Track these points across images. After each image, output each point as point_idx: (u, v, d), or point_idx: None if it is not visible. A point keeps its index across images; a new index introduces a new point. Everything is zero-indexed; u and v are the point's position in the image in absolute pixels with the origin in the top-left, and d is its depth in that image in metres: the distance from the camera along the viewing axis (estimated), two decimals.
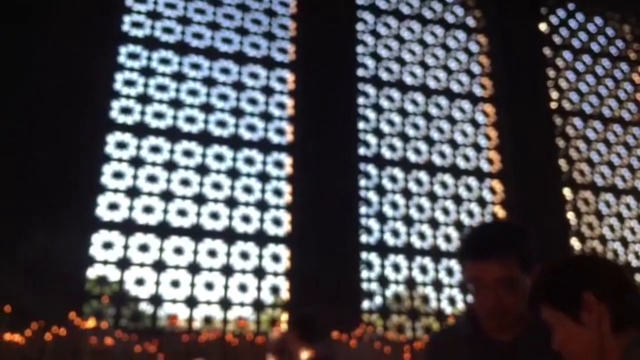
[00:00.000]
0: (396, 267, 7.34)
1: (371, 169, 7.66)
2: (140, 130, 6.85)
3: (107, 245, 6.27)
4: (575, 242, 8.16)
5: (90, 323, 5.71)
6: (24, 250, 5.47)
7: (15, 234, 5.49)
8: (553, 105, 8.85)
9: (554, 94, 8.95)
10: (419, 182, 7.84)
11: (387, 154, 7.82)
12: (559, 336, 1.27)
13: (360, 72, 8.03)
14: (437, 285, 7.44)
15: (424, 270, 7.46)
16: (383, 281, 7.20)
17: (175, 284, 6.39)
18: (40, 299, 5.28)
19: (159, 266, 6.39)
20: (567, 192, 8.45)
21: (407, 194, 7.71)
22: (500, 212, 8.01)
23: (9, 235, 5.48)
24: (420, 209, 7.72)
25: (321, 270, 6.49)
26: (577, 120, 9.02)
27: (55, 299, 5.46)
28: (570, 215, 8.35)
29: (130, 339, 5.68)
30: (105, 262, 6.22)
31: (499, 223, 1.84)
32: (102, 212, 6.36)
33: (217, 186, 6.94)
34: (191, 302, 6.37)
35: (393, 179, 7.73)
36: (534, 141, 8.21)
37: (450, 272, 7.54)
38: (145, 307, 6.40)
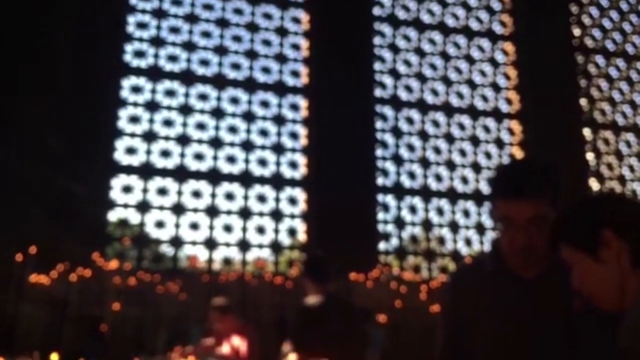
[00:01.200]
0: (412, 209, 7.37)
1: (387, 110, 7.58)
2: (155, 73, 6.81)
3: (127, 189, 6.36)
4: (594, 183, 8.09)
5: (114, 264, 5.86)
6: (48, 195, 5.57)
7: (39, 179, 5.58)
8: (575, 42, 8.59)
9: (576, 31, 8.68)
10: (435, 124, 7.76)
11: (403, 95, 7.72)
12: (578, 274, 1.27)
13: (376, 10, 7.83)
14: (454, 227, 7.47)
15: (440, 211, 7.48)
16: (399, 223, 7.25)
17: (194, 226, 6.50)
18: (64, 241, 5.41)
19: (178, 209, 6.49)
20: (587, 132, 8.32)
21: (423, 135, 7.65)
22: (518, 153, 7.94)
23: (34, 180, 5.57)
24: (437, 150, 7.68)
25: (338, 213, 6.54)
26: (599, 58, 8.77)
27: (79, 241, 5.59)
28: (590, 155, 8.25)
29: (153, 279, 5.84)
30: (125, 206, 6.33)
31: (531, 161, 1.76)
32: (121, 156, 6.43)
33: (232, 130, 6.94)
34: (210, 244, 6.49)
35: (409, 121, 7.66)
36: (555, 80, 8.02)
37: (466, 213, 7.56)
38: (166, 249, 6.56)
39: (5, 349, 4.07)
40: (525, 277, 1.56)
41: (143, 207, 6.39)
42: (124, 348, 4.69)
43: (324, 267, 3.51)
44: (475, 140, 7.87)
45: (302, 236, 6.88)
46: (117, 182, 6.34)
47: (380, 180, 7.27)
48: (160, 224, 6.41)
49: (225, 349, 4.21)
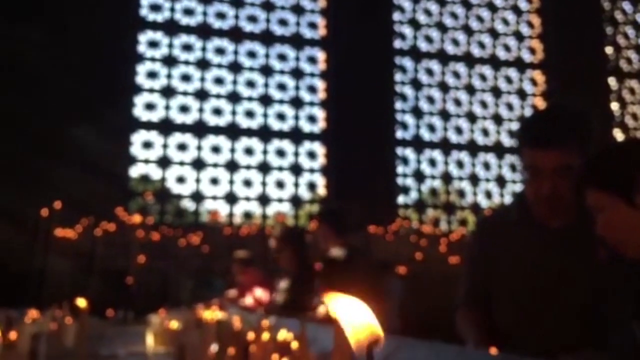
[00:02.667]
0: (432, 162, 7.33)
1: (407, 62, 7.45)
2: (171, 27, 6.74)
3: (147, 145, 6.40)
4: (618, 133, 7.94)
5: (137, 218, 5.96)
6: (70, 151, 5.63)
7: (63, 136, 5.63)
8: None
9: None
10: (456, 75, 7.62)
11: (423, 46, 7.57)
12: (607, 220, 1.24)
13: None
14: (474, 180, 7.43)
15: (460, 164, 7.43)
16: (419, 176, 7.22)
17: (214, 181, 6.55)
18: (88, 196, 5.50)
19: (198, 164, 6.53)
20: (612, 81, 8.11)
21: (444, 87, 7.53)
22: (541, 104, 7.79)
23: (58, 136, 5.62)
24: (457, 102, 7.56)
25: (357, 166, 6.53)
26: (626, 4, 8.46)
27: (102, 196, 5.69)
28: (615, 105, 8.07)
29: (175, 233, 5.93)
30: (146, 161, 6.39)
31: (560, 109, 1.70)
32: (140, 112, 6.45)
33: (250, 84, 6.89)
34: (231, 198, 6.55)
35: (429, 72, 7.52)
36: (580, 28, 7.77)
37: (487, 166, 7.50)
38: (188, 204, 6.63)
39: (35, 301, 4.19)
40: (550, 227, 1.55)
41: (163, 162, 6.44)
42: (149, 299, 4.81)
43: (345, 218, 3.53)
44: (496, 92, 7.73)
45: (321, 190, 6.90)
46: (137, 138, 6.38)
47: (399, 133, 7.22)
48: (181, 179, 6.47)
49: (248, 300, 4.30)
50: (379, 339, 0.27)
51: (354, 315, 0.29)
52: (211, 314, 2.38)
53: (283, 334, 1.71)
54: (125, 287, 5.43)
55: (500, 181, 7.49)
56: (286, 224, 6.70)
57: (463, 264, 1.79)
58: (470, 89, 7.62)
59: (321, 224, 3.57)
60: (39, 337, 2.17)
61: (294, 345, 1.52)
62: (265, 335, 1.61)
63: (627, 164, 1.23)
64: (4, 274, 4.97)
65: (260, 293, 4.23)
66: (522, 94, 7.82)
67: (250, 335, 1.73)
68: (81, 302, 1.52)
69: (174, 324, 2.46)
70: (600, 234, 1.26)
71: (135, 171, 6.37)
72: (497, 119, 7.64)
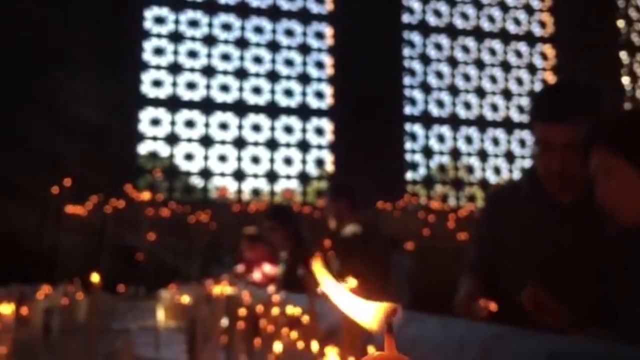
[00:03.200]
0: (441, 138, 7.29)
1: (415, 37, 7.37)
2: (177, 3, 6.68)
3: (155, 122, 6.41)
4: (629, 108, 7.85)
5: (146, 195, 5.99)
6: (79, 128, 5.64)
7: (71, 114, 5.63)
8: None
9: None
10: (465, 50, 7.53)
11: (432, 20, 7.47)
12: (614, 187, 1.21)
13: None
14: (482, 155, 7.40)
15: (469, 140, 7.39)
16: (427, 152, 7.20)
17: (222, 158, 6.56)
18: (97, 173, 5.52)
19: (206, 141, 6.53)
20: (623, 55, 8.00)
21: (452, 62, 7.45)
22: (551, 79, 7.70)
23: (66, 114, 5.63)
24: (466, 77, 7.49)
25: (365, 143, 6.51)
26: None
27: (112, 173, 5.71)
28: (625, 79, 7.97)
29: (184, 210, 5.96)
30: (154, 138, 6.40)
31: (572, 83, 1.67)
32: (147, 89, 6.43)
33: (257, 60, 6.85)
34: (239, 175, 6.56)
35: (438, 47, 7.44)
36: (591, 1, 7.64)
37: (496, 141, 7.46)
38: (196, 181, 6.66)
39: (47, 277, 4.25)
40: (561, 202, 1.54)
41: (171, 139, 6.45)
42: (159, 275, 4.86)
43: (357, 194, 3.53)
44: (506, 66, 7.64)
45: (329, 167, 6.90)
46: (145, 115, 6.38)
47: (407, 109, 7.17)
48: (189, 156, 6.48)
49: (256, 275, 4.34)
50: (396, 309, 0.26)
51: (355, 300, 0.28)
52: (221, 289, 2.40)
53: (292, 309, 1.72)
54: (135, 263, 5.50)
55: (509, 157, 7.45)
56: (293, 200, 6.72)
57: (471, 238, 1.79)
58: (480, 64, 7.55)
59: (336, 201, 3.54)
60: (52, 312, 2.20)
61: (304, 319, 1.54)
62: (275, 310, 1.63)
63: None
64: (16, 251, 5.03)
65: (268, 269, 4.26)
66: (532, 69, 7.74)
67: (260, 310, 1.75)
68: (94, 277, 1.54)
69: (185, 299, 2.49)
70: (600, 197, 1.24)
71: (143, 148, 6.39)
72: (507, 94, 7.58)
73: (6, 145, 5.42)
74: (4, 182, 5.26)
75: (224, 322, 1.81)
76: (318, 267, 0.29)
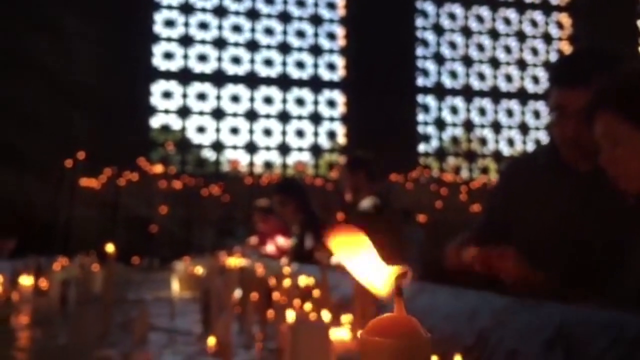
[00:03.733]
0: (454, 110, 7.23)
1: (428, 6, 7.25)
2: None
3: (167, 95, 6.40)
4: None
5: (159, 168, 6.03)
6: (91, 102, 5.65)
7: (82, 86, 5.64)
8: None
9: None
10: (479, 19, 7.41)
11: None
12: (620, 154, 1.18)
13: None
14: (496, 127, 7.33)
15: (482, 112, 7.32)
16: (440, 124, 7.15)
17: (234, 131, 6.56)
18: (111, 146, 5.55)
19: (218, 114, 6.53)
20: None
21: (466, 32, 7.34)
22: (567, 49, 7.57)
23: (78, 87, 5.64)
24: (480, 48, 7.39)
25: (377, 114, 6.47)
26: None
27: (124, 146, 5.74)
28: None
29: (197, 183, 6.00)
30: (166, 111, 6.40)
31: (591, 49, 1.63)
32: (158, 61, 6.42)
33: (269, 31, 6.79)
34: (251, 147, 6.57)
35: (452, 17, 7.32)
36: None
37: (510, 113, 7.38)
38: (208, 154, 6.68)
39: (63, 249, 4.32)
40: (580, 171, 1.53)
41: (183, 112, 6.45)
42: (173, 247, 4.92)
43: (374, 166, 3.51)
44: (521, 36, 7.52)
45: (341, 139, 6.88)
46: (157, 88, 6.38)
47: (420, 81, 7.10)
48: (201, 129, 6.49)
49: (269, 248, 4.37)
50: (405, 273, 0.27)
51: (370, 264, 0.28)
52: (234, 261, 2.42)
53: (304, 280, 1.74)
54: (149, 235, 5.56)
55: (523, 128, 7.38)
56: (305, 172, 6.73)
57: (482, 209, 1.79)
58: (494, 34, 7.42)
59: (353, 173, 3.51)
60: (68, 284, 2.24)
61: (316, 291, 1.55)
62: (287, 282, 1.64)
63: None
64: (32, 224, 5.10)
65: (281, 241, 4.29)
66: (547, 38, 7.60)
67: (273, 282, 1.77)
68: (109, 248, 1.56)
69: (198, 271, 2.52)
70: (605, 164, 1.21)
71: (155, 121, 6.40)
72: (522, 65, 7.47)
73: (19, 119, 5.46)
74: (18, 156, 5.31)
75: (238, 293, 1.83)
76: (334, 237, 0.29)
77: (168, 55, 6.45)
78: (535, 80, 7.46)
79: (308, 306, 1.41)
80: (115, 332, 1.61)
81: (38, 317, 1.93)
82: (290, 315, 1.08)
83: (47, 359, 1.28)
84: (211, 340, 1.32)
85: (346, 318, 1.22)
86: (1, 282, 2.04)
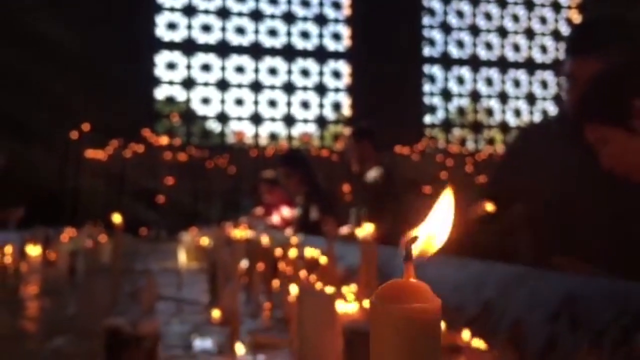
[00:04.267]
0: (460, 80, 7.16)
1: None
2: None
3: (171, 66, 6.36)
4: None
5: (164, 140, 6.03)
6: (95, 73, 5.62)
7: (86, 59, 5.60)
8: None
9: None
10: None
11: None
12: (612, 152, 1.22)
13: None
14: (503, 97, 7.27)
15: (489, 82, 7.24)
16: (446, 95, 7.09)
17: (239, 102, 6.53)
18: (116, 118, 5.54)
19: (222, 85, 6.49)
20: None
21: (474, 0, 7.22)
22: (576, 17, 7.45)
23: (82, 59, 5.60)
24: (487, 16, 7.27)
25: (382, 85, 6.41)
26: None
27: (130, 118, 5.73)
28: None
29: (202, 154, 6.00)
30: (170, 82, 6.37)
31: (605, 17, 1.59)
32: (162, 32, 6.36)
33: (273, 1, 6.70)
34: (256, 119, 6.55)
35: None
36: None
37: (517, 83, 7.30)
38: (213, 125, 6.66)
39: (70, 220, 4.35)
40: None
41: (188, 83, 6.41)
42: (180, 218, 4.95)
43: (378, 136, 3.51)
44: (529, 4, 7.39)
45: (347, 110, 6.84)
46: (161, 59, 6.33)
47: (426, 51, 7.02)
48: (205, 100, 6.46)
49: (275, 219, 4.39)
50: (415, 238, 0.26)
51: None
52: (240, 232, 2.43)
53: (310, 251, 1.75)
54: (156, 206, 5.59)
55: (531, 99, 7.31)
56: (311, 144, 6.71)
57: (490, 177, 1.79)
58: (502, 2, 7.30)
59: (359, 143, 3.50)
60: (77, 255, 2.27)
61: (322, 261, 1.56)
62: (293, 252, 1.65)
63: (620, 91, 1.19)
64: (40, 195, 5.13)
65: (286, 212, 4.31)
66: (556, 6, 7.47)
67: (279, 252, 1.78)
68: (116, 219, 1.57)
69: (205, 241, 2.54)
70: (607, 166, 1.24)
71: (160, 93, 6.37)
72: (529, 34, 7.36)
73: (25, 91, 5.44)
74: (25, 127, 5.30)
75: (244, 263, 1.84)
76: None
77: (171, 26, 6.39)
78: (544, 49, 7.36)
79: (314, 277, 1.42)
80: (123, 301, 1.63)
81: (47, 287, 1.96)
82: (296, 286, 1.08)
83: (56, 328, 1.30)
84: (218, 310, 1.33)
85: (351, 288, 1.23)
86: (10, 253, 2.06)
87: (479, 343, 0.92)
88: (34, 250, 2.16)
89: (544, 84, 7.32)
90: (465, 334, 0.96)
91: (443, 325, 0.91)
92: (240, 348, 1.07)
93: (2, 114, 5.13)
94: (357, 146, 3.50)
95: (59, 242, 2.67)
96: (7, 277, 1.89)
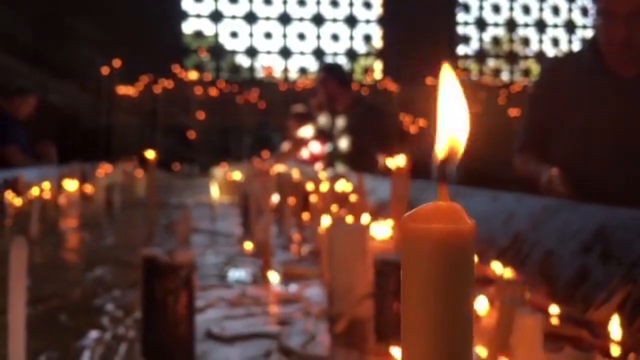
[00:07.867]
0: (495, 8, 6.88)
1: None
2: None
3: None
4: None
5: (193, 75, 6.01)
6: (123, 7, 5.57)
7: None
8: None
9: None
10: None
11: None
12: None
13: None
14: (540, 26, 6.98)
15: (526, 9, 6.94)
16: (480, 24, 6.84)
17: (268, 35, 6.42)
18: (145, 53, 5.52)
19: (251, 18, 6.37)
20: None
21: None
22: None
23: None
24: None
25: (414, 15, 6.20)
26: None
27: (159, 53, 5.70)
28: None
29: (232, 89, 5.98)
30: (198, 16, 6.28)
31: None
32: None
33: None
34: (285, 53, 6.45)
35: None
36: None
37: (555, 10, 6.98)
38: (242, 60, 6.59)
39: (105, 155, 4.44)
40: (623, 76, 1.46)
41: (215, 17, 6.31)
42: (211, 154, 5.00)
43: (346, 73, 3.39)
44: None
45: (377, 42, 6.68)
46: None
47: None
48: (234, 34, 6.37)
49: (304, 154, 4.40)
50: (452, 160, 0.26)
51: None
52: (271, 166, 2.45)
53: (341, 185, 1.75)
54: (188, 142, 5.65)
55: (570, 26, 7.00)
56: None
57: (522, 114, 1.75)
58: None
59: (324, 83, 3.34)
60: (113, 189, 2.32)
61: (353, 196, 1.57)
62: (324, 186, 1.67)
63: None
64: (74, 131, 5.23)
65: (316, 147, 4.30)
66: None
67: (310, 186, 1.79)
68: (150, 154, 1.59)
69: (236, 176, 2.57)
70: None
71: (188, 27, 6.30)
72: None
73: (55, 29, 5.43)
74: (59, 64, 5.31)
75: (275, 197, 1.87)
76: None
77: None
78: None
79: (344, 211, 1.43)
80: (159, 233, 1.68)
81: (85, 220, 2.03)
82: (327, 218, 1.10)
83: (96, 258, 1.35)
84: (250, 242, 1.36)
85: (386, 222, 1.24)
86: (49, 188, 2.13)
87: (509, 274, 0.93)
88: (71, 185, 2.22)
89: (584, 11, 6.98)
90: (496, 265, 0.97)
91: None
92: (274, 276, 1.10)
93: (37, 51, 5.17)
94: (323, 86, 3.37)
95: (95, 177, 2.74)
96: (47, 211, 1.96)
